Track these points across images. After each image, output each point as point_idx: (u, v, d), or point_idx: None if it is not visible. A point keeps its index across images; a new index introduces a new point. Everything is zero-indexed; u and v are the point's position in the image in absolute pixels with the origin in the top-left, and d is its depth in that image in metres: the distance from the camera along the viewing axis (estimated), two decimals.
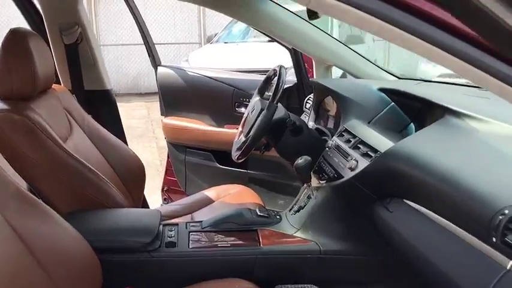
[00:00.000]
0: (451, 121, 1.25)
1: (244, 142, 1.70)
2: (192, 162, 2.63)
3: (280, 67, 1.72)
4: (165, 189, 2.87)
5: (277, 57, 5.40)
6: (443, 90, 1.75)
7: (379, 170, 1.25)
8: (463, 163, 1.04)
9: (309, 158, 1.49)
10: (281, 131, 1.67)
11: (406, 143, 1.24)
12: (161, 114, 2.73)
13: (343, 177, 1.39)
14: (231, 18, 6.98)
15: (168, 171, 2.83)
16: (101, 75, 2.11)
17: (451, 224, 1.00)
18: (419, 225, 1.09)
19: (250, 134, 1.64)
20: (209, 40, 6.47)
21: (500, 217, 0.82)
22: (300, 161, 1.49)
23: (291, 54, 2.28)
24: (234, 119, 2.52)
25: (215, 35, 6.44)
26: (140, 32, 2.48)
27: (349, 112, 1.61)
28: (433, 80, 2.08)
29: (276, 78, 1.70)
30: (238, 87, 2.49)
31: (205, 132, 2.56)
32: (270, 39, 6.10)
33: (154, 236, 1.39)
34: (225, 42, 6.09)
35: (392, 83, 1.83)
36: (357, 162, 1.34)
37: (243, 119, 1.91)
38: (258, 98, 1.86)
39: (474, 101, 1.48)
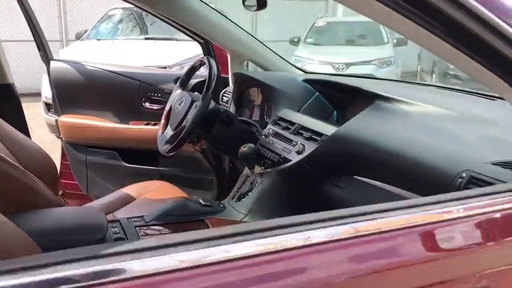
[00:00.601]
0: (382, 105, 1.40)
1: (174, 135, 1.67)
2: (94, 162, 2.47)
3: (208, 58, 1.73)
4: (60, 193, 2.65)
5: (158, 53, 5.30)
6: (360, 81, 1.93)
7: (329, 151, 1.36)
8: (409, 139, 1.19)
9: (253, 146, 1.53)
10: (213, 123, 1.69)
11: (350, 125, 1.36)
12: (55, 113, 2.52)
13: (290, 161, 1.46)
14: (96, 15, 6.66)
15: (63, 174, 2.62)
16: (2, 67, 1.89)
17: (405, 191, 1.14)
18: (373, 196, 1.22)
19: (185, 125, 1.63)
20: (78, 37, 6.08)
21: (460, 179, 0.98)
22: (245, 149, 1.52)
23: (202, 48, 2.28)
24: (141, 115, 2.44)
25: (84, 32, 6.07)
26: (30, 26, 2.27)
27: (279, 102, 1.70)
28: (344, 74, 2.27)
29: (202, 69, 1.70)
30: (145, 82, 2.41)
31: (109, 130, 2.43)
32: (147, 36, 5.97)
33: (105, 233, 1.31)
34: (98, 40, 5.77)
35: (313, 75, 1.96)
36: (304, 146, 1.43)
37: (166, 112, 1.87)
38: (180, 90, 1.85)
39: (397, 88, 1.67)
